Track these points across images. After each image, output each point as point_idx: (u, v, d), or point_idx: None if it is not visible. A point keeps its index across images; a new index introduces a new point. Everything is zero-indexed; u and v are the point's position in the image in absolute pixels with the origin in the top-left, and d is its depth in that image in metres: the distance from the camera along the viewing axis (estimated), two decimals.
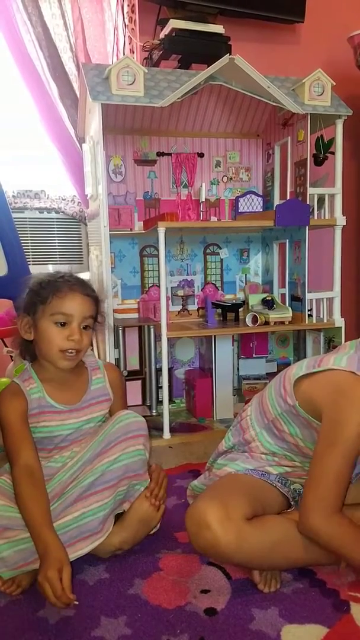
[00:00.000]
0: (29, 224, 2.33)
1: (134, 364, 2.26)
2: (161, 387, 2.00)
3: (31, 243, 2.34)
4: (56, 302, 1.19)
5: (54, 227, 2.38)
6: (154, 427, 2.03)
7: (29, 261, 2.26)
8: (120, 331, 2.14)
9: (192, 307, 2.41)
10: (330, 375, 1.11)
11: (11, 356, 2.02)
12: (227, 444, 1.33)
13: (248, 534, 1.04)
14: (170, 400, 2.24)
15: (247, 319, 2.11)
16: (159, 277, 2.00)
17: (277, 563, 1.10)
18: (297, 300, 2.15)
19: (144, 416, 1.31)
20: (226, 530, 1.02)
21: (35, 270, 2.29)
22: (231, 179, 2.44)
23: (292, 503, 1.21)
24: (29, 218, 2.33)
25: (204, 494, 1.15)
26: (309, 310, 2.14)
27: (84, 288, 1.23)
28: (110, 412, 1.33)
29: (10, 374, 1.99)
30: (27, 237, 2.32)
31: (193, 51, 2.09)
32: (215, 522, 1.02)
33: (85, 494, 1.16)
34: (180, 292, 2.38)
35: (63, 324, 1.19)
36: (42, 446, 1.24)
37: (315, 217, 2.16)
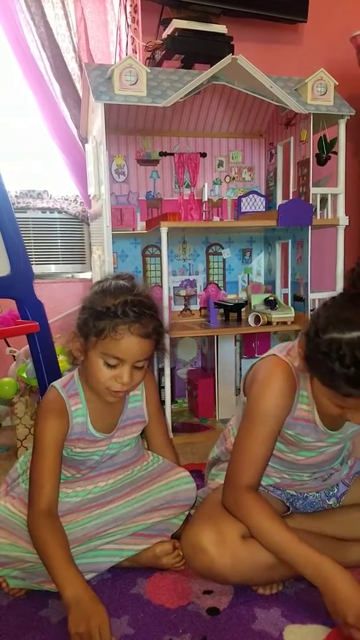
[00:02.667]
0: (32, 224, 2.34)
1: None
2: (163, 387, 2.00)
3: (34, 243, 2.34)
4: (110, 343, 1.03)
5: (56, 227, 2.38)
6: None
7: (32, 261, 2.27)
8: None
9: (195, 307, 2.40)
10: (260, 363, 1.13)
11: (14, 356, 2.02)
12: (212, 454, 1.33)
13: (244, 555, 1.02)
14: (173, 400, 2.24)
15: (249, 319, 2.11)
16: (161, 277, 2.00)
17: (276, 580, 1.09)
18: (299, 300, 2.15)
19: None
20: (221, 553, 1.01)
21: (38, 270, 2.31)
22: (234, 178, 2.44)
23: (288, 504, 1.20)
24: (32, 218, 2.33)
25: (198, 515, 1.14)
26: (311, 310, 2.13)
27: (145, 328, 1.05)
28: (146, 433, 1.27)
29: (12, 373, 1.99)
30: (29, 237, 2.32)
31: (196, 51, 2.09)
32: (210, 545, 1.01)
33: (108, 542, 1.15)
34: (183, 292, 2.38)
35: (113, 366, 1.06)
36: (73, 464, 1.18)
37: (318, 217, 2.16)
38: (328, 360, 0.86)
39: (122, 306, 1.03)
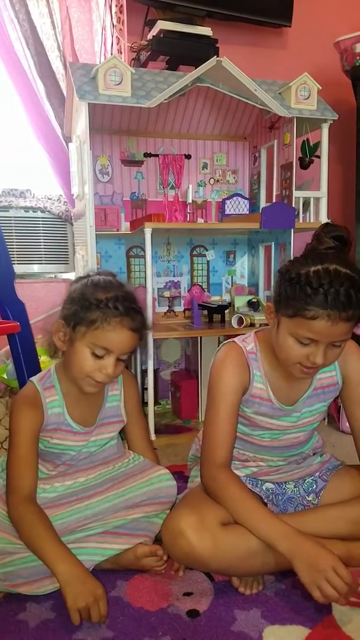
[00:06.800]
0: (14, 223, 2.31)
1: None
2: (147, 389, 2.00)
3: (16, 242, 2.32)
4: (101, 334, 1.07)
5: (39, 227, 2.36)
6: None
7: (14, 261, 2.24)
8: None
9: (179, 309, 2.40)
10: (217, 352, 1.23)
11: None
12: (190, 454, 1.37)
13: (224, 540, 1.04)
14: (156, 402, 2.23)
15: (232, 321, 2.12)
16: (145, 278, 2.00)
17: (257, 569, 1.09)
18: None
19: None
20: (201, 536, 1.02)
21: (20, 270, 2.29)
22: (218, 181, 2.44)
23: (266, 502, 1.21)
24: (14, 217, 2.31)
25: (178, 504, 1.17)
26: None
27: (134, 322, 1.09)
28: (126, 433, 1.29)
29: None
30: (12, 236, 2.30)
31: (181, 53, 2.09)
32: (189, 529, 1.03)
33: (89, 537, 1.15)
34: (167, 293, 2.38)
35: (99, 357, 1.09)
36: (49, 459, 1.18)
37: (301, 220, 2.17)
38: (298, 287, 1.00)
39: (114, 300, 1.08)
